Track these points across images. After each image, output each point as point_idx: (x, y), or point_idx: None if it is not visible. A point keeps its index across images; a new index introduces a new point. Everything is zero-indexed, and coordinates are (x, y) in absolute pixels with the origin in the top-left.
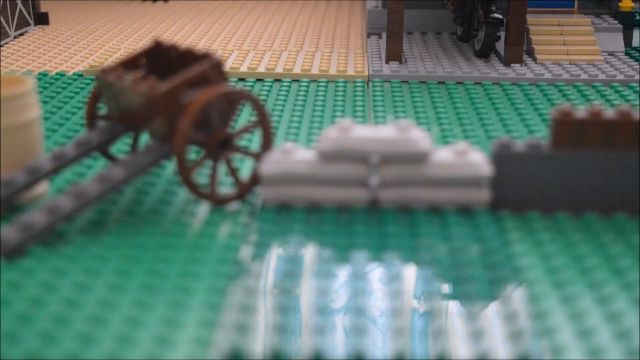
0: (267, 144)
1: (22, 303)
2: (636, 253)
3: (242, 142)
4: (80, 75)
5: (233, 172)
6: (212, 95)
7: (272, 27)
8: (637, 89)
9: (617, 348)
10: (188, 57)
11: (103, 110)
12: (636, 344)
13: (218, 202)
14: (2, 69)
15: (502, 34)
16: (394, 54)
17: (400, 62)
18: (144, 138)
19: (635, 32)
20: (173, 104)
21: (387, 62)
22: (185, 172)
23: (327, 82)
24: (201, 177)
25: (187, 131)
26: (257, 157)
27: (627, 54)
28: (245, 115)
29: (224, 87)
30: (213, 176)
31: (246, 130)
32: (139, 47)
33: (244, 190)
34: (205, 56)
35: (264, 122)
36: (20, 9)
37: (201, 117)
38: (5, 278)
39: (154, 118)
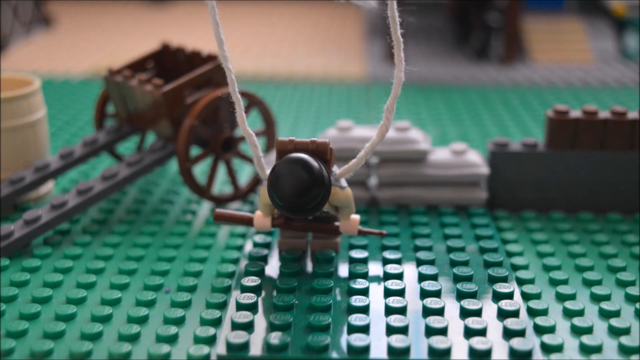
0: (270, 145)
1: (26, 302)
2: (629, 252)
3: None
4: (88, 77)
5: (232, 173)
6: (216, 95)
7: (271, 32)
8: (629, 90)
9: (612, 345)
10: (194, 59)
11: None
12: (630, 342)
13: (213, 199)
14: (9, 69)
15: (496, 36)
16: (392, 54)
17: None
18: (150, 138)
19: (628, 35)
20: (177, 104)
21: (386, 62)
22: (185, 164)
23: (327, 84)
24: (203, 174)
25: (192, 124)
26: None
27: (620, 56)
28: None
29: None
30: (211, 175)
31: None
32: (147, 50)
33: (242, 192)
34: (210, 58)
35: (268, 123)
36: (27, 11)
37: (206, 115)
38: (10, 277)
39: (159, 118)
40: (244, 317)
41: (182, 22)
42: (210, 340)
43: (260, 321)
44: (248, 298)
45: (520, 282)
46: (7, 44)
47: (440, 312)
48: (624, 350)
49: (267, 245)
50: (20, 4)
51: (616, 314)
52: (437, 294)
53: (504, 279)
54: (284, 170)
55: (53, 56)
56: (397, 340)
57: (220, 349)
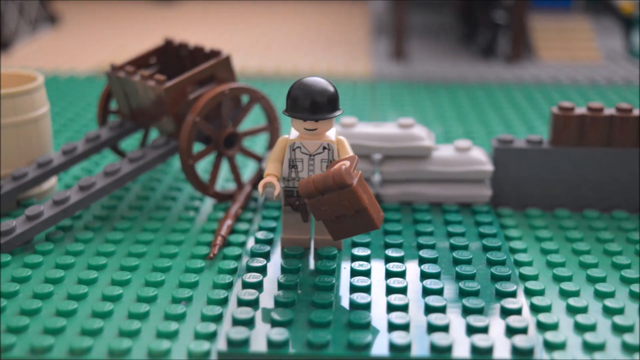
0: (273, 141)
1: (27, 297)
2: (634, 249)
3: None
4: (93, 74)
5: (235, 170)
6: (219, 90)
7: (277, 29)
8: (637, 89)
9: (615, 343)
10: (197, 55)
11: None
12: (634, 340)
13: (216, 196)
14: (15, 66)
15: (503, 34)
16: (398, 52)
17: (404, 60)
18: (153, 134)
19: (635, 33)
20: (180, 100)
21: (392, 60)
22: (188, 160)
23: (332, 81)
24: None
25: (194, 120)
26: (260, 160)
27: (627, 54)
28: (251, 117)
29: (233, 84)
30: (214, 171)
31: (254, 132)
32: (150, 46)
33: (245, 189)
34: (213, 53)
35: (271, 119)
36: (33, 9)
37: (209, 111)
38: (11, 273)
39: (162, 114)
40: (245, 313)
41: (188, 20)
42: (211, 336)
43: (261, 317)
44: (249, 294)
45: (524, 279)
46: (13, 41)
47: (442, 309)
48: (628, 348)
49: (269, 242)
50: (25, 2)
51: (620, 311)
52: (439, 292)
53: (507, 278)
54: (308, 80)
55: (58, 54)
56: (399, 337)
57: (221, 344)
